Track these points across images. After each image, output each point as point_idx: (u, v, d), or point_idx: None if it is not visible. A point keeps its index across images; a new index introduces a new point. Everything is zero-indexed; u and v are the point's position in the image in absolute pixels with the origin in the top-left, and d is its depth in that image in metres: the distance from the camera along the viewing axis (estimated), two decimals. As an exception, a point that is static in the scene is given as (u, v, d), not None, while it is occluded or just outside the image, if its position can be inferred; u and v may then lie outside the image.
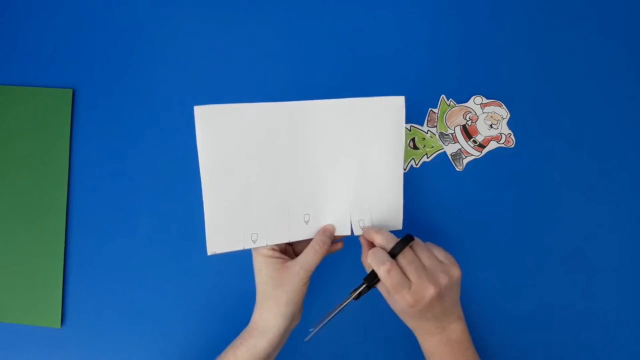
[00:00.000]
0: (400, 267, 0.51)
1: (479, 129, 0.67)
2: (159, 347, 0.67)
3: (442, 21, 0.69)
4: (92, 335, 0.68)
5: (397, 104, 0.54)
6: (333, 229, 0.56)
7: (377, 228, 0.55)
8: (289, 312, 0.54)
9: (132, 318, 0.68)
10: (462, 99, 0.68)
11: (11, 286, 0.68)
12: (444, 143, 0.68)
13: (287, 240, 0.56)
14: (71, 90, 0.70)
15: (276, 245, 0.55)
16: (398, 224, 0.58)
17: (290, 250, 0.58)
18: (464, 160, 0.67)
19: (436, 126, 0.68)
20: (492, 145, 0.67)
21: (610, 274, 0.66)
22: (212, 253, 0.54)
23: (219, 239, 0.53)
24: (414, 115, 0.67)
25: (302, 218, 0.55)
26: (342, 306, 0.54)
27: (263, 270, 0.54)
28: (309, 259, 0.54)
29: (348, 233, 0.57)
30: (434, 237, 0.66)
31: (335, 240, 0.58)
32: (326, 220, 0.56)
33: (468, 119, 0.68)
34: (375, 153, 0.55)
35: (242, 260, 0.61)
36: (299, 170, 0.54)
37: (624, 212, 0.66)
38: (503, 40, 0.68)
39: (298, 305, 0.54)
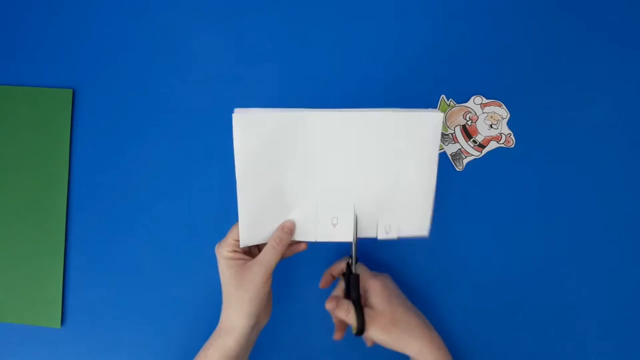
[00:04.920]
0: None
1: (478, 129, 0.67)
2: (158, 346, 0.67)
3: (442, 21, 0.69)
4: (92, 335, 0.68)
5: (434, 119, 0.55)
6: (292, 225, 0.56)
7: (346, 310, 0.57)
8: (253, 310, 0.54)
9: (131, 318, 0.68)
10: (462, 99, 0.68)
11: (11, 286, 0.68)
12: (444, 143, 0.68)
13: (313, 240, 0.57)
14: (71, 90, 0.70)
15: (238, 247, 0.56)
16: (424, 232, 0.59)
17: (256, 251, 0.58)
18: (464, 160, 0.67)
19: (436, 126, 0.68)
20: (492, 145, 0.67)
21: (611, 273, 0.66)
22: (244, 245, 0.56)
23: (250, 233, 0.55)
24: (414, 115, 0.67)
25: (330, 221, 0.57)
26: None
27: (225, 271, 0.55)
28: (267, 256, 0.54)
29: (373, 235, 0.58)
30: (433, 237, 0.66)
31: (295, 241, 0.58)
32: (351, 224, 0.57)
33: (468, 119, 0.68)
34: (409, 164, 0.56)
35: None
36: (330, 175, 0.55)
37: (623, 212, 0.66)
38: (503, 40, 0.68)
39: (262, 303, 0.55)
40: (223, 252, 0.55)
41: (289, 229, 0.56)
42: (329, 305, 0.56)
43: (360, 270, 0.59)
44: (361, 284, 0.59)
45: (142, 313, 0.68)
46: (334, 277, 0.63)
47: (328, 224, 0.57)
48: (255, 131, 0.53)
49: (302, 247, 0.58)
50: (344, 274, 0.60)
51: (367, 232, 0.58)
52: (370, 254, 0.67)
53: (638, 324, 0.65)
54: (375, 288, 0.58)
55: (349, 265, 0.58)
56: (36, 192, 0.69)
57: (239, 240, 0.55)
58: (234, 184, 0.54)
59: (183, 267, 0.68)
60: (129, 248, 0.68)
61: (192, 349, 0.67)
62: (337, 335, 0.61)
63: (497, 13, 0.68)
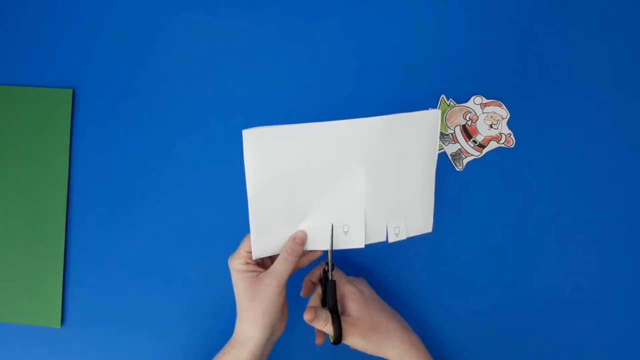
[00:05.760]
0: None
1: (478, 129, 0.67)
2: (158, 347, 0.67)
3: (442, 21, 0.69)
4: (91, 335, 0.67)
5: (432, 117, 0.57)
6: (304, 236, 0.57)
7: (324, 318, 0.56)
8: (268, 323, 0.54)
9: (131, 318, 0.68)
10: (462, 99, 0.68)
11: (11, 286, 0.68)
12: (444, 143, 0.68)
13: (326, 248, 0.57)
14: (71, 90, 0.70)
15: (251, 259, 0.56)
16: (428, 228, 0.61)
17: (269, 262, 0.59)
18: (464, 160, 0.67)
19: (436, 126, 0.68)
20: (492, 145, 0.67)
21: (612, 274, 0.66)
22: (256, 258, 0.56)
23: (262, 245, 0.56)
24: (414, 115, 0.67)
25: (342, 229, 0.57)
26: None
27: (239, 284, 0.55)
28: (280, 268, 0.54)
29: (383, 239, 0.59)
30: (433, 237, 0.66)
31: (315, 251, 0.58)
32: (362, 230, 0.57)
33: (468, 119, 0.68)
34: (411, 164, 0.58)
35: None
36: (339, 184, 0.56)
37: (624, 212, 0.66)
38: (503, 40, 0.68)
39: (277, 315, 0.55)
40: (236, 265, 0.56)
41: (300, 239, 0.56)
42: (307, 317, 0.55)
43: (336, 276, 0.59)
44: (337, 291, 0.59)
45: (142, 314, 0.68)
46: (313, 283, 0.63)
47: (339, 232, 0.57)
48: (264, 146, 0.53)
49: (317, 254, 0.59)
50: (320, 280, 0.60)
51: (376, 237, 0.58)
52: (362, 256, 0.67)
53: None
54: (350, 294, 0.58)
55: (325, 272, 0.59)
56: (36, 192, 0.69)
57: (251, 252, 0.56)
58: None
59: (183, 267, 0.68)
60: (129, 248, 0.68)
61: (191, 350, 0.67)
62: (318, 340, 0.61)
63: (498, 13, 0.68)
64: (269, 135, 0.53)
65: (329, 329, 0.56)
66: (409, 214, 0.59)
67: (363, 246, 0.58)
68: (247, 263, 0.56)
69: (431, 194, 0.60)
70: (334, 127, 0.54)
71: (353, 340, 0.56)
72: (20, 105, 0.70)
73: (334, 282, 0.58)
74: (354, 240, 0.58)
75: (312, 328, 0.61)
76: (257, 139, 0.53)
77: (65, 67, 0.70)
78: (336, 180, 0.56)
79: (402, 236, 0.59)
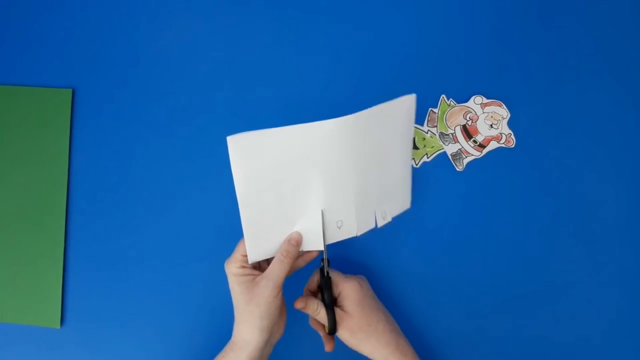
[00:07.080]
0: None
1: (479, 128, 0.67)
2: (157, 347, 0.67)
3: (443, 21, 0.69)
4: (91, 335, 0.67)
5: (409, 101, 0.58)
6: (299, 237, 0.56)
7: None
8: (265, 325, 0.54)
9: (131, 319, 0.67)
10: (462, 98, 0.68)
11: (11, 286, 0.68)
12: (444, 143, 0.68)
13: (321, 247, 0.57)
14: (71, 90, 0.70)
15: (247, 263, 0.56)
16: (407, 204, 0.63)
17: (266, 265, 0.58)
18: (464, 160, 0.67)
19: (436, 126, 0.68)
20: (493, 145, 0.67)
21: (611, 273, 0.66)
22: (252, 262, 0.56)
23: (257, 249, 0.56)
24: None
25: (335, 224, 0.57)
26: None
27: (235, 287, 0.55)
28: (275, 270, 0.54)
29: (372, 227, 0.59)
30: (433, 236, 0.66)
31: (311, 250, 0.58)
32: (354, 223, 0.57)
33: (468, 119, 0.68)
34: (392, 149, 0.59)
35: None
36: (328, 182, 0.56)
37: (625, 212, 0.66)
38: (503, 40, 0.68)
39: (274, 318, 0.55)
40: (232, 269, 0.55)
41: (295, 240, 0.56)
42: (297, 305, 0.56)
43: (333, 273, 0.59)
44: (335, 287, 0.59)
45: (142, 314, 0.67)
46: (313, 292, 0.62)
47: (334, 228, 0.57)
48: (250, 151, 0.53)
49: (313, 254, 0.59)
50: (319, 287, 0.60)
51: (368, 226, 0.59)
52: (362, 256, 0.67)
53: None
54: (347, 290, 0.58)
55: (321, 270, 0.59)
56: (36, 192, 0.69)
57: (247, 256, 0.56)
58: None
59: (183, 268, 0.68)
60: (128, 248, 0.68)
61: (191, 350, 0.67)
62: (327, 347, 0.61)
63: (498, 13, 0.68)
64: (254, 140, 0.53)
65: (322, 317, 0.57)
66: (393, 197, 0.60)
67: (356, 235, 0.58)
68: (243, 267, 0.55)
69: (409, 172, 0.61)
70: (318, 128, 0.54)
71: (341, 333, 0.57)
72: (19, 105, 0.70)
73: (329, 278, 0.58)
74: (347, 232, 0.58)
75: (315, 332, 0.61)
76: (242, 145, 0.52)
77: (64, 67, 0.70)
78: (325, 178, 0.56)
79: (388, 218, 0.60)
